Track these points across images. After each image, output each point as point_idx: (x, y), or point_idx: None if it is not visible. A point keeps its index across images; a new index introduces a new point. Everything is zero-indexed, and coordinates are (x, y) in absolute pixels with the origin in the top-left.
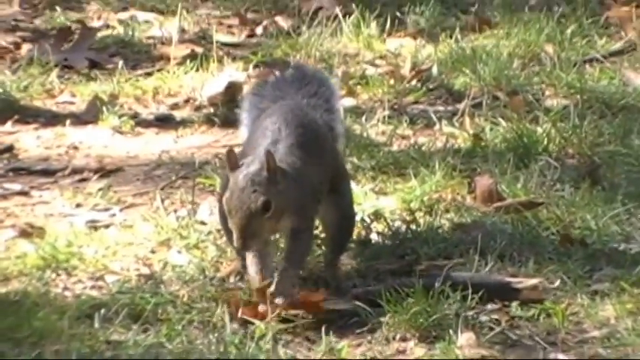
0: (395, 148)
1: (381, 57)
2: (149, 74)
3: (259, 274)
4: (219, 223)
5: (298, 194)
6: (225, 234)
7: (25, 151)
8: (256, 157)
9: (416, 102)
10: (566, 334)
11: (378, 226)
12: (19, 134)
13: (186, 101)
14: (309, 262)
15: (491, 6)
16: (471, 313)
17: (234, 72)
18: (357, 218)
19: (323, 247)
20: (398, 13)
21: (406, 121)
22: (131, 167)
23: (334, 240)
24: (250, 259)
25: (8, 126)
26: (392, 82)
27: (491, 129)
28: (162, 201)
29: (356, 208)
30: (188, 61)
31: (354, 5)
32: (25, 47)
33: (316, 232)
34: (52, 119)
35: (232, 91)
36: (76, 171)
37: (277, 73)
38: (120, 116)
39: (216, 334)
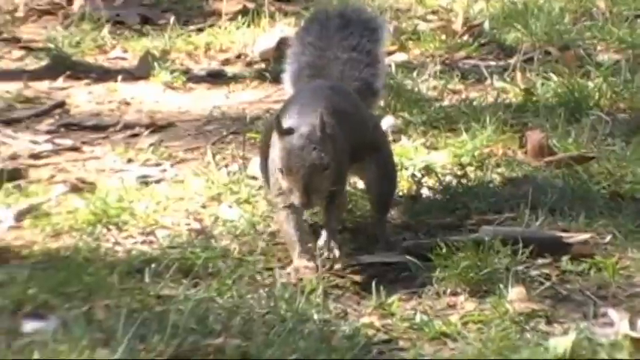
0: (446, 102)
1: (433, 12)
2: (201, 30)
3: (297, 230)
4: (265, 178)
5: (339, 155)
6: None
7: (76, 106)
8: (302, 121)
9: (467, 57)
10: (616, 288)
11: (428, 181)
12: (70, 90)
13: (238, 57)
14: (359, 219)
15: None
16: (521, 267)
17: (285, 28)
18: (408, 173)
19: (369, 206)
20: None
21: (457, 76)
22: (182, 122)
23: (378, 198)
24: (286, 215)
25: (60, 82)
26: (443, 37)
27: (542, 84)
28: (214, 156)
29: (407, 162)
30: (240, 16)
31: None
32: (77, 3)
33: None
34: (104, 75)
35: (284, 46)
36: (127, 126)
37: (320, 20)
38: (171, 72)
39: (266, 289)
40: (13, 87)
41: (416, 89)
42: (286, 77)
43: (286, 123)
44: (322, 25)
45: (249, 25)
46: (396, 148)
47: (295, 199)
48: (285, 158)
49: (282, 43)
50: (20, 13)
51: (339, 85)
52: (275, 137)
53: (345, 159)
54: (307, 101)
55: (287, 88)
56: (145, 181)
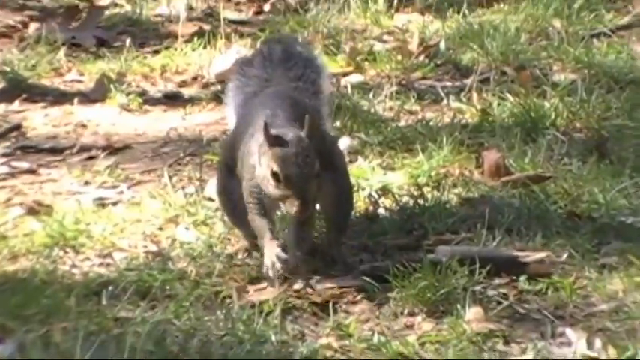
0: (402, 123)
1: (388, 33)
2: (157, 52)
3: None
4: (221, 201)
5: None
6: (227, 213)
7: (33, 129)
8: (285, 129)
9: (423, 77)
10: (574, 307)
11: (385, 202)
12: (27, 113)
13: (194, 79)
14: (316, 239)
15: None
16: (478, 287)
17: (241, 49)
18: (365, 194)
19: (324, 228)
20: None
21: (414, 96)
22: (139, 145)
23: (335, 216)
24: (259, 213)
25: (16, 105)
26: (399, 57)
27: (498, 104)
28: (170, 178)
29: (364, 183)
30: (196, 38)
31: None
32: (33, 26)
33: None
34: (60, 97)
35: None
36: (84, 149)
37: (263, 51)
38: (128, 94)
39: (223, 311)
40: None
41: (372, 110)
42: (230, 109)
43: (238, 135)
44: (265, 57)
45: (205, 47)
46: (352, 169)
47: (292, 207)
48: (281, 166)
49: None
50: None
51: (293, 93)
52: (253, 146)
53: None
54: (282, 108)
55: (230, 121)
56: (101, 203)
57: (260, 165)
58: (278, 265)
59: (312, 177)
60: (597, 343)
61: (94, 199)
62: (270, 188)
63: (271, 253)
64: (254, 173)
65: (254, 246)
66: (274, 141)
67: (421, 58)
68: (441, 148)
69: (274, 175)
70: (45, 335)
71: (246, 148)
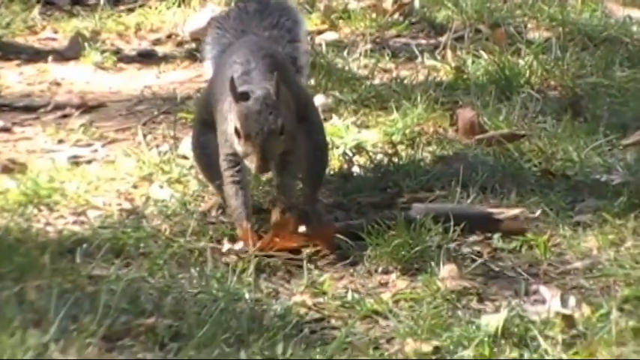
0: (377, 81)
1: None
2: (131, 10)
3: (245, 206)
4: (196, 156)
5: (290, 117)
6: (202, 168)
7: (7, 87)
8: (254, 85)
9: (398, 35)
10: (548, 265)
11: (359, 160)
12: (1, 71)
13: (169, 37)
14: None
15: None
16: (452, 245)
17: (216, 7)
18: (340, 151)
19: (300, 182)
20: None
21: (388, 54)
22: (113, 103)
23: (310, 172)
24: (235, 190)
25: None
26: (374, 15)
27: (473, 62)
28: (145, 136)
29: (338, 141)
30: None
31: None
32: None
33: None
34: (35, 56)
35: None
36: (58, 107)
37: (239, 5)
38: (102, 52)
39: (197, 269)
40: None
41: (347, 68)
42: (208, 63)
43: (240, 87)
44: (240, 10)
45: (179, 5)
46: (327, 127)
47: (252, 163)
48: (243, 123)
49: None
50: None
51: (268, 44)
52: (227, 105)
53: (294, 120)
54: (254, 61)
55: (209, 73)
56: (75, 161)
57: (230, 121)
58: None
59: (274, 134)
60: (571, 300)
61: (68, 157)
62: (235, 144)
63: (244, 238)
64: (227, 131)
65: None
66: (240, 97)
67: (395, 16)
68: (415, 106)
69: (236, 131)
70: (19, 293)
71: (221, 110)
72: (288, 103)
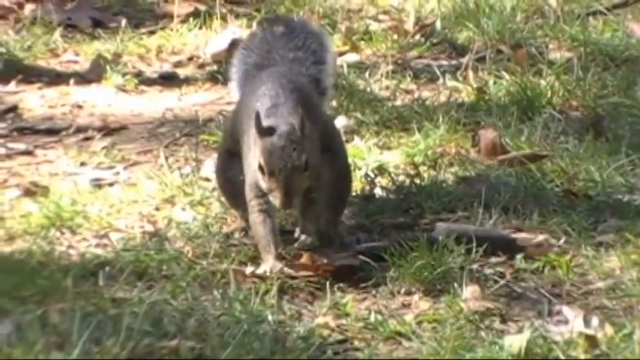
0: (399, 102)
1: (384, 12)
2: (152, 32)
3: (272, 234)
4: (220, 184)
5: (314, 152)
6: (227, 197)
7: (29, 110)
8: (280, 119)
9: (419, 57)
10: (571, 285)
11: (382, 181)
12: (23, 94)
13: (190, 59)
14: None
15: None
16: (475, 266)
17: (237, 29)
18: (362, 173)
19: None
20: None
21: (410, 75)
22: (135, 125)
23: (333, 199)
24: (262, 219)
25: (12, 86)
26: (395, 37)
27: (494, 82)
28: (166, 158)
29: (360, 162)
30: (191, 18)
31: None
32: (29, 7)
33: None
34: (56, 78)
35: (235, 48)
36: (80, 130)
37: (265, 27)
38: (123, 75)
39: (220, 291)
40: None
41: (368, 89)
42: (234, 83)
43: (265, 122)
44: (267, 31)
45: (200, 27)
46: (349, 149)
47: (276, 199)
48: (267, 159)
49: (234, 45)
50: None
51: (296, 77)
52: (252, 138)
53: (319, 155)
54: (283, 95)
55: (235, 94)
56: (98, 184)
57: (254, 156)
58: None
59: (298, 170)
60: (594, 321)
61: (90, 179)
62: (259, 180)
63: (272, 270)
64: (252, 166)
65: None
66: (265, 132)
67: (417, 37)
68: (437, 127)
69: (260, 167)
70: (42, 316)
71: (249, 142)
72: (312, 138)
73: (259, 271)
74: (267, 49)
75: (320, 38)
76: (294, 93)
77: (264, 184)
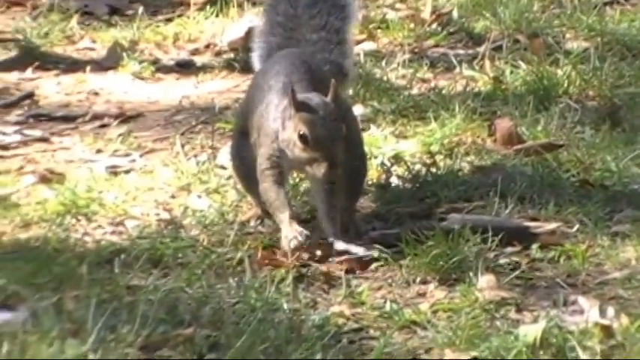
0: (415, 91)
1: (401, 1)
2: (169, 20)
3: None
4: (234, 166)
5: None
6: (240, 178)
7: (45, 97)
8: (313, 95)
9: (436, 45)
10: (586, 275)
11: (398, 170)
12: (39, 81)
13: (207, 47)
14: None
15: None
16: (490, 255)
17: (254, 17)
18: (378, 162)
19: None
20: None
21: (426, 64)
22: (151, 113)
23: (349, 183)
24: (276, 188)
25: (29, 72)
26: (412, 25)
27: (511, 72)
28: (183, 146)
29: (376, 151)
30: (208, 6)
31: None
32: None
33: None
34: (73, 65)
35: (252, 36)
36: (96, 117)
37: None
38: (140, 62)
39: (235, 279)
40: None
41: (385, 78)
42: (255, 58)
43: (254, 94)
44: (290, 2)
45: (217, 15)
46: (365, 137)
47: (320, 170)
48: (310, 131)
49: (251, 33)
50: None
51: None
52: (273, 112)
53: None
54: (297, 73)
55: (256, 65)
56: (114, 171)
57: (284, 129)
58: (300, 239)
59: (340, 139)
60: (610, 311)
61: (106, 167)
62: (297, 151)
63: (293, 230)
64: (275, 138)
65: (266, 213)
66: (301, 106)
67: (434, 26)
68: (453, 116)
69: (302, 137)
70: (57, 303)
71: (264, 115)
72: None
73: (287, 235)
74: (290, 27)
75: (344, 10)
76: (308, 74)
77: (304, 155)
